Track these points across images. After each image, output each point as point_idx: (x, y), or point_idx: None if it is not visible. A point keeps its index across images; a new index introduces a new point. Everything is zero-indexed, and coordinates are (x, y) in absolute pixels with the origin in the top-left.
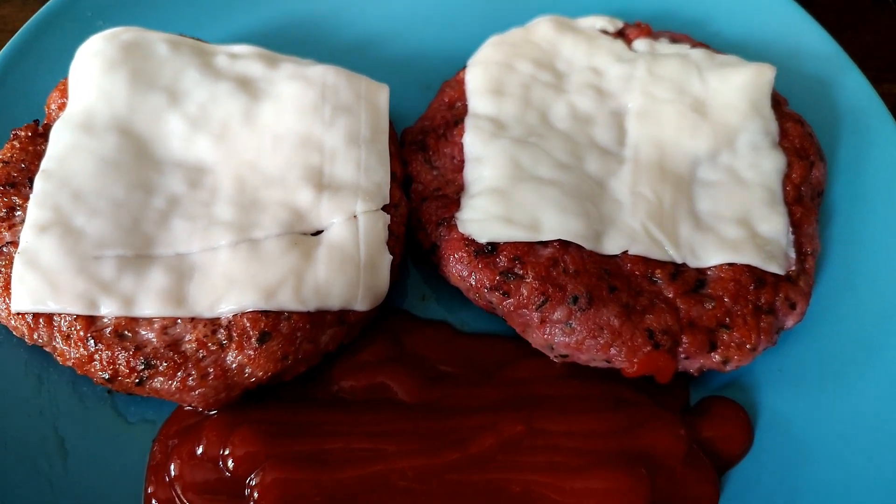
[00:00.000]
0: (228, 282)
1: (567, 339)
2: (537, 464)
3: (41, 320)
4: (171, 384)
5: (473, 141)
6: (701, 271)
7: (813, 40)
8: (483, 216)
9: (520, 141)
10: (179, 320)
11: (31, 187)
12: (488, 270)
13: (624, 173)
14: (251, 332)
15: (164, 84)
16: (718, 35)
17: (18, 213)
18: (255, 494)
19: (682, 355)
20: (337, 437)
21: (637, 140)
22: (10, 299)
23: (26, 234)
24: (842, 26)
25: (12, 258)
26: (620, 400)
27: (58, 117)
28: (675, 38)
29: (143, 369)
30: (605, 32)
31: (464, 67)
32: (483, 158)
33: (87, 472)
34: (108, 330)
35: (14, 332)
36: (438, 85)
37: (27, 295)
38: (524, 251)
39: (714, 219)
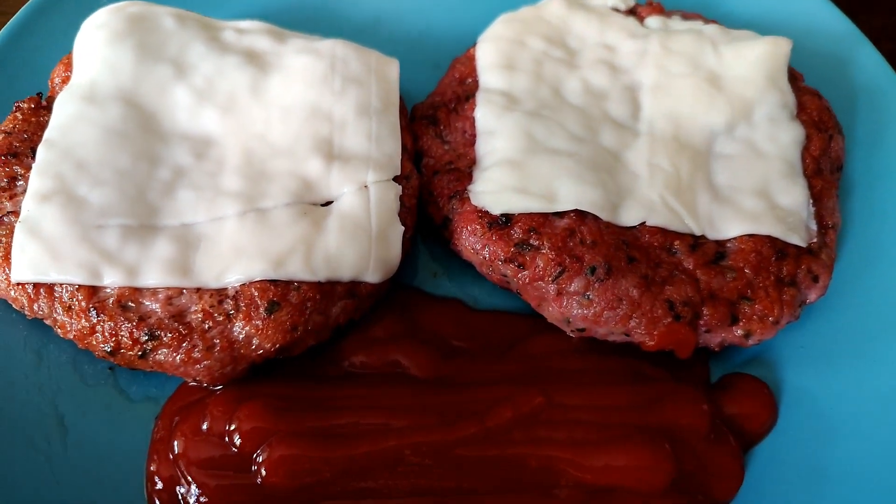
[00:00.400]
0: (236, 251)
1: (584, 312)
2: (556, 438)
3: (42, 291)
4: (176, 356)
5: (485, 114)
6: (720, 243)
7: (826, 19)
8: (497, 188)
9: (533, 114)
10: (185, 291)
11: (33, 157)
12: (503, 242)
13: (639, 146)
14: (259, 302)
15: (170, 56)
16: (730, 16)
17: (20, 182)
18: (263, 471)
19: (703, 328)
20: (347, 411)
21: (652, 114)
22: (10, 269)
23: (28, 203)
24: (854, 10)
25: (13, 228)
26: (640, 374)
27: (62, 91)
28: (686, 16)
29: (147, 341)
30: (616, 11)
31: (474, 44)
32: (496, 131)
33: (88, 449)
34: (111, 300)
35: (13, 305)
36: (448, 64)
37: (28, 264)
38: (539, 222)
39: (732, 191)
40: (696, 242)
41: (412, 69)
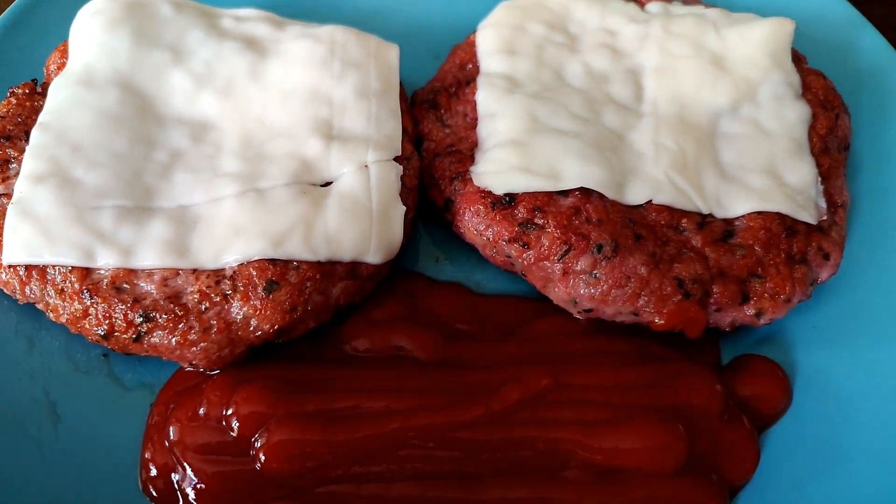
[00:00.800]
0: (234, 231)
1: (592, 291)
2: (564, 419)
3: (34, 273)
4: (172, 338)
5: (487, 97)
6: (728, 222)
7: (827, 5)
8: (500, 167)
9: (535, 96)
10: (181, 272)
11: (27, 140)
12: (506, 222)
13: (644, 126)
14: (257, 282)
15: (167, 42)
16: (730, 4)
17: (13, 166)
18: (261, 456)
19: (714, 307)
20: (349, 393)
21: (655, 95)
22: (1, 252)
23: (21, 185)
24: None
25: (5, 210)
26: (650, 355)
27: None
28: (687, 1)
29: (142, 322)
30: None
31: (474, 31)
32: (497, 113)
33: (80, 437)
34: (105, 282)
35: (5, 290)
36: (447, 55)
37: (20, 246)
38: (544, 201)
39: (739, 169)
40: (703, 221)
41: (411, 59)
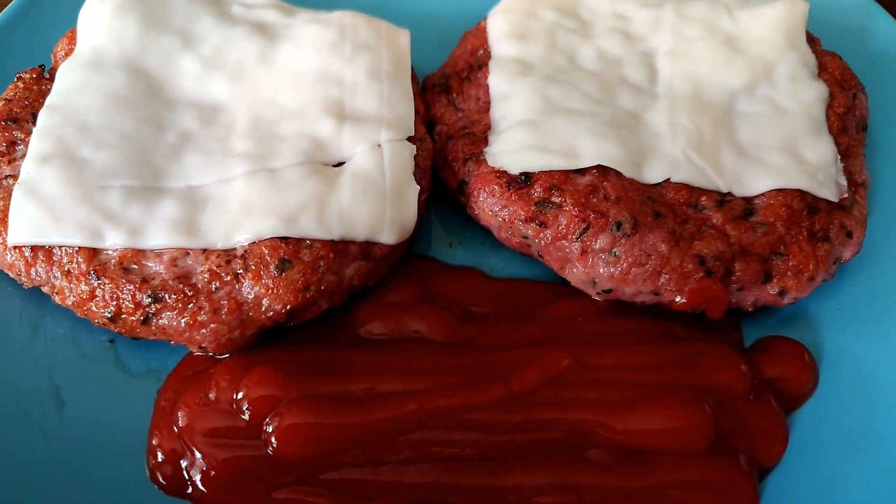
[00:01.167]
0: (245, 210)
1: (611, 270)
2: (587, 399)
3: (40, 255)
4: (181, 320)
5: (500, 80)
6: (748, 200)
7: None
8: (515, 147)
9: (548, 78)
10: (191, 252)
11: (34, 123)
12: (523, 202)
13: (659, 107)
14: (269, 260)
15: (176, 27)
16: None
17: (20, 147)
18: (273, 440)
19: (736, 286)
20: (363, 375)
21: (670, 77)
22: (7, 233)
23: (27, 166)
24: None
25: (11, 191)
26: (672, 335)
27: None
28: None
29: (150, 303)
30: None
31: (485, 18)
32: (510, 95)
33: (86, 423)
34: (113, 262)
35: (10, 272)
36: (457, 42)
37: (26, 226)
38: (561, 180)
39: (757, 148)
40: (723, 199)
41: (420, 47)
